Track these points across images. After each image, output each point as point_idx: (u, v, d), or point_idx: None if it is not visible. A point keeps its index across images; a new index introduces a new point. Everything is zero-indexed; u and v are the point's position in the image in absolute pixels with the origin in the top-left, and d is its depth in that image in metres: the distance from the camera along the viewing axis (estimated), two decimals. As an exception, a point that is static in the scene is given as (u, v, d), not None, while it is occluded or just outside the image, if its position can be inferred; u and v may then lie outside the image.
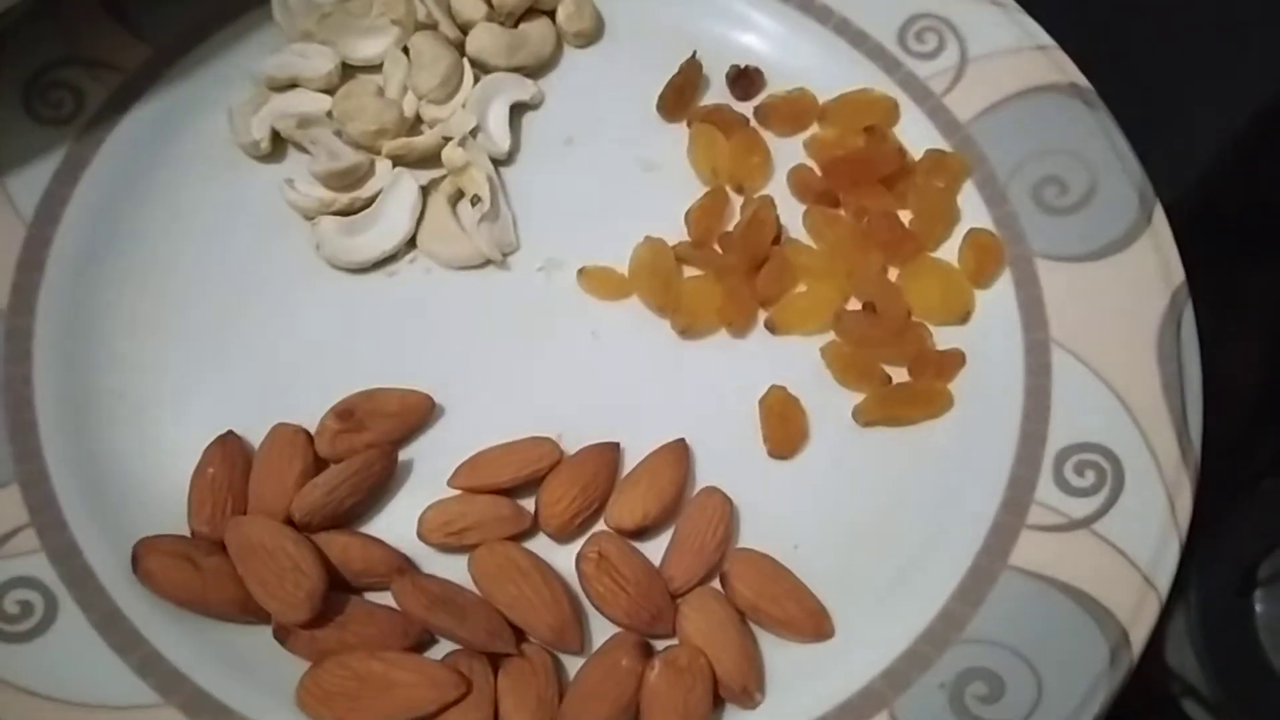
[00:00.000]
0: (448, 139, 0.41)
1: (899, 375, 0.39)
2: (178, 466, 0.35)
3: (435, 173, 0.41)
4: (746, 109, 0.43)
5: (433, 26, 0.43)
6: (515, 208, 0.41)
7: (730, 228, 0.40)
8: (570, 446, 0.36)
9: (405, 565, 0.34)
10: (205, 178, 0.40)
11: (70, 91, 0.40)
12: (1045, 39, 0.43)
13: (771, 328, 0.39)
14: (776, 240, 0.40)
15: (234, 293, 0.38)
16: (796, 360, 0.38)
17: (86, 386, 0.36)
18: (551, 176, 0.41)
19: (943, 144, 0.42)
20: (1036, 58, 0.42)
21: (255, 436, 0.36)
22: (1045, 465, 0.36)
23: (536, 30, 0.44)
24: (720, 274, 0.39)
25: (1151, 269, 0.38)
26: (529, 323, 0.39)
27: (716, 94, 0.44)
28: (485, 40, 0.43)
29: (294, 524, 0.33)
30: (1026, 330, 0.38)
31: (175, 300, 0.38)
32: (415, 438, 0.36)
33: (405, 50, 0.42)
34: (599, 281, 0.39)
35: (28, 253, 0.37)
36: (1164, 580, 0.33)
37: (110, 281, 0.38)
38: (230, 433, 0.35)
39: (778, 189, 0.42)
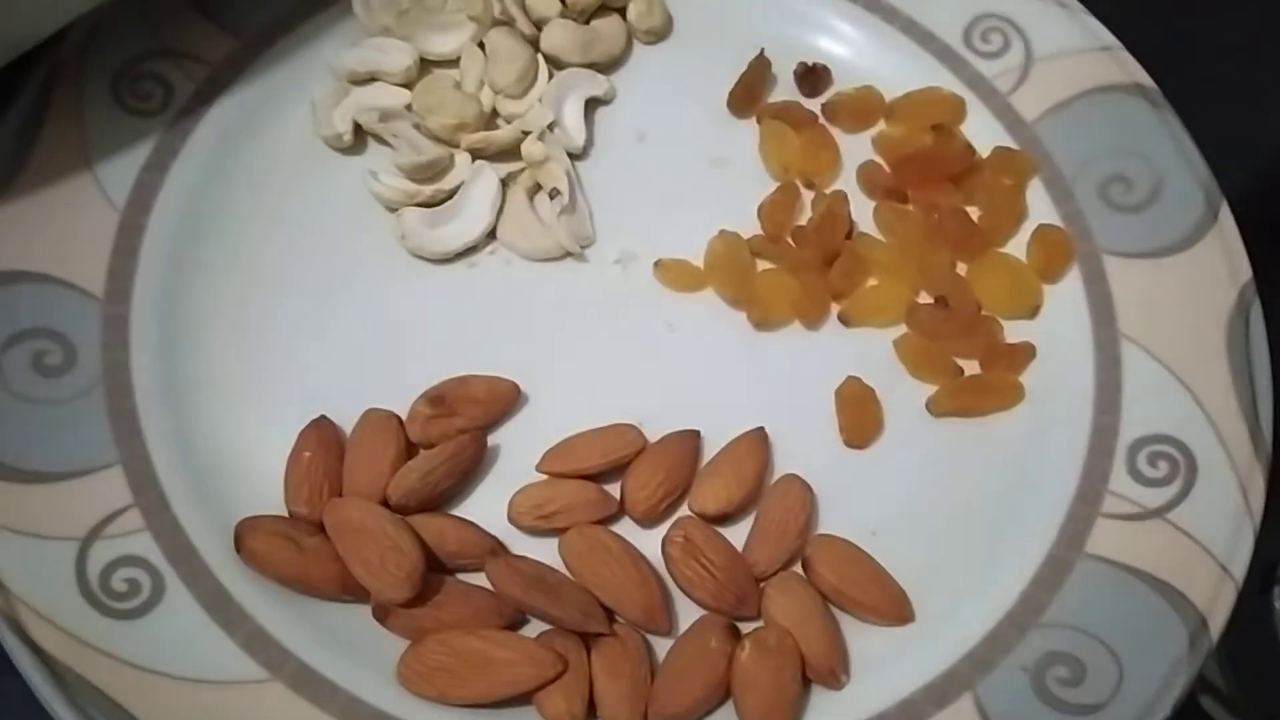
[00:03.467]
0: (526, 133, 0.41)
1: (970, 368, 0.39)
2: (272, 449, 0.35)
3: (513, 166, 0.42)
4: (814, 106, 0.44)
5: (508, 23, 0.43)
6: (590, 201, 0.41)
7: (801, 222, 0.41)
8: (651, 434, 0.37)
9: (498, 547, 0.35)
10: (291, 169, 0.41)
11: (159, 83, 0.41)
12: (1109, 39, 0.44)
13: (844, 320, 0.40)
14: (848, 235, 0.41)
15: (321, 281, 0.39)
16: (869, 352, 0.39)
17: (182, 372, 0.37)
18: (625, 171, 0.42)
19: (1009, 142, 0.43)
20: (1101, 58, 0.43)
21: (345, 421, 0.36)
22: (1118, 456, 0.37)
23: (608, 27, 0.44)
24: (794, 268, 0.40)
25: (1219, 266, 0.39)
26: (607, 313, 0.39)
27: (783, 91, 0.44)
28: (560, 37, 0.43)
29: (389, 506, 0.34)
30: (1096, 325, 0.39)
31: (266, 288, 0.38)
32: (502, 423, 0.37)
33: (481, 46, 0.43)
34: (675, 274, 0.40)
35: (121, 241, 0.38)
36: (1239, 567, 0.34)
37: (202, 269, 0.38)
38: (323, 417, 0.36)
39: (846, 184, 0.43)
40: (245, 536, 0.33)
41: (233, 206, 0.40)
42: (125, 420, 0.35)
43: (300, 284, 0.39)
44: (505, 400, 0.37)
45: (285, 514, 0.35)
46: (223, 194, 0.40)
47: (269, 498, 0.35)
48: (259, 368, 0.37)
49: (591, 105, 0.44)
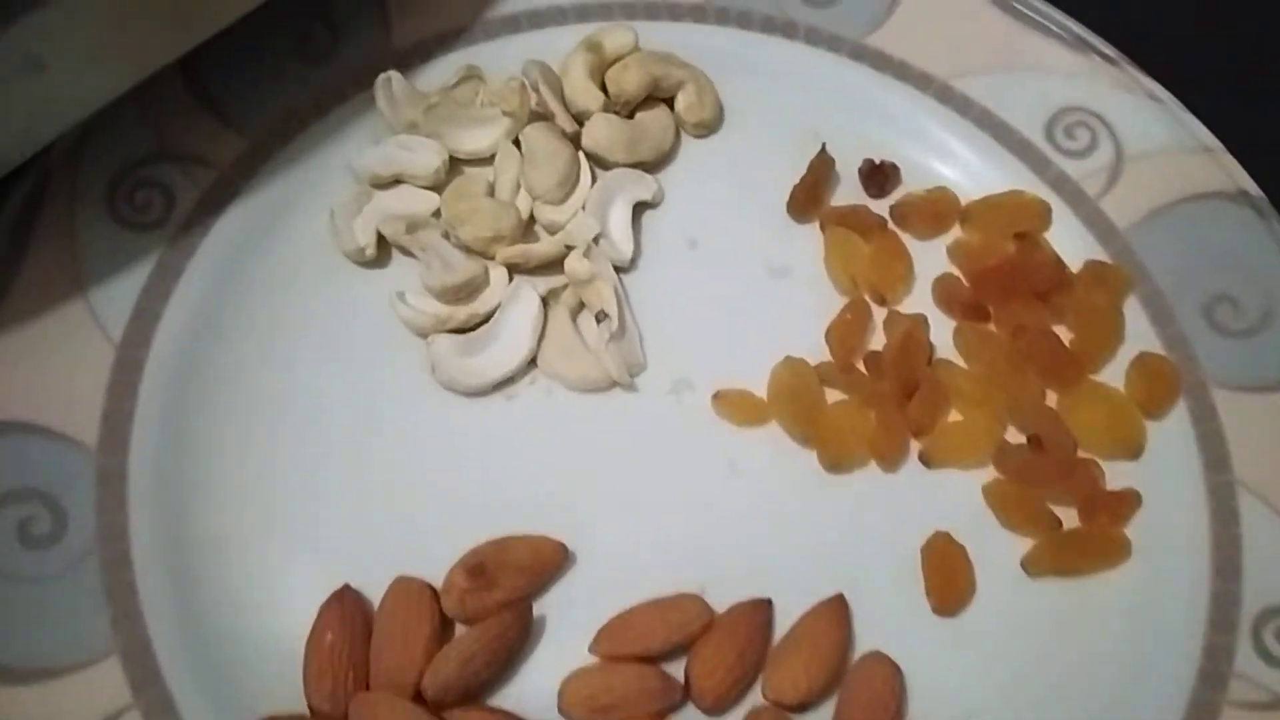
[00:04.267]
0: (569, 248, 0.37)
1: (1069, 518, 0.35)
2: (290, 627, 0.31)
3: (553, 279, 0.38)
4: (881, 207, 0.40)
5: (546, 118, 0.39)
6: (640, 321, 0.37)
7: (873, 344, 0.38)
8: (713, 596, 0.33)
9: (548, 748, 0.30)
10: (307, 288, 0.37)
11: (159, 191, 0.37)
12: (1210, 139, 0.39)
13: (926, 461, 0.36)
14: (927, 360, 0.37)
15: (344, 421, 0.35)
16: (954, 497, 0.35)
17: (187, 534, 0.33)
18: (677, 284, 0.38)
19: (1100, 253, 0.39)
20: (1200, 160, 0.39)
21: (372, 587, 0.32)
22: (1242, 631, 0.33)
23: (655, 121, 0.40)
24: (869, 400, 0.36)
25: (1347, 403, 0.35)
26: (661, 452, 0.35)
27: (847, 191, 0.40)
28: (603, 133, 0.39)
29: (424, 700, 0.30)
30: (1208, 470, 0.35)
31: (281, 430, 0.35)
32: (548, 588, 0.33)
33: (516, 143, 0.39)
34: (735, 406, 0.36)
35: (118, 378, 0.34)
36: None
37: (209, 410, 0.34)
38: (347, 588, 0.32)
39: (920, 299, 0.39)
40: (262, 745, 0.29)
41: (244, 335, 0.36)
42: (123, 598, 0.31)
43: (320, 426, 0.35)
44: (551, 565, 0.33)
45: (305, 708, 0.30)
46: (233, 321, 0.36)
47: (287, 685, 0.31)
48: (274, 526, 0.33)
49: (639, 209, 0.39)
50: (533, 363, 0.37)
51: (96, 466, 0.33)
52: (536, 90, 0.39)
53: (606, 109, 0.40)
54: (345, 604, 0.32)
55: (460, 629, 0.32)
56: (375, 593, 0.32)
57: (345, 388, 0.35)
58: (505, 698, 0.32)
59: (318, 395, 0.35)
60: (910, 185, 0.40)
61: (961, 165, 0.40)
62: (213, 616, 0.32)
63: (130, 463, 0.33)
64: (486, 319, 0.37)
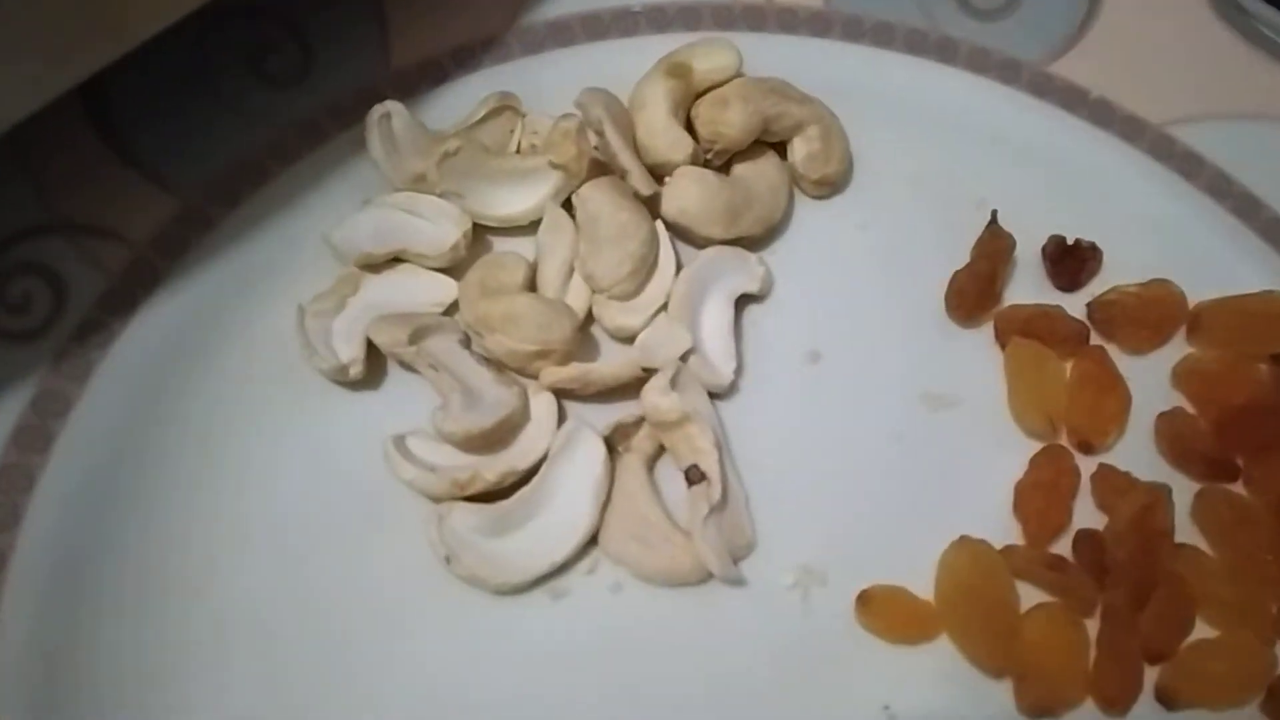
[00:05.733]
0: (647, 371, 0.27)
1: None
2: None
3: (617, 406, 0.28)
4: (1074, 305, 0.31)
5: (611, 172, 0.29)
6: (744, 474, 0.28)
7: (1079, 511, 0.28)
8: None
9: None
10: (263, 426, 0.28)
11: (44, 280, 0.27)
12: None
13: (1168, 701, 0.27)
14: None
15: (315, 635, 0.26)
16: None
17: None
18: (794, 417, 0.29)
19: (1392, 386, 0.30)
20: None
21: None
22: None
23: (762, 176, 0.31)
24: (1085, 609, 0.27)
25: None
26: (780, 683, 0.26)
27: (1026, 280, 0.31)
28: (693, 195, 0.30)
29: None
30: None
31: (219, 653, 0.25)
32: None
33: (568, 206, 0.29)
34: (890, 614, 0.27)
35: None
36: None
37: (113, 625, 0.25)
38: None
39: (1137, 444, 0.29)
40: None
41: (161, 502, 0.26)
42: None
43: (277, 645, 0.25)
44: None
45: None
46: (145, 479, 0.26)
47: None
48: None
49: (740, 305, 0.30)
50: (593, 542, 0.27)
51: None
52: (598, 132, 0.29)
53: (695, 160, 0.30)
54: None
55: None
56: None
57: (317, 584, 0.26)
58: None
59: (275, 597, 0.26)
60: (1114, 276, 0.31)
61: (1187, 249, 0.31)
62: None
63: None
64: (526, 478, 0.27)
